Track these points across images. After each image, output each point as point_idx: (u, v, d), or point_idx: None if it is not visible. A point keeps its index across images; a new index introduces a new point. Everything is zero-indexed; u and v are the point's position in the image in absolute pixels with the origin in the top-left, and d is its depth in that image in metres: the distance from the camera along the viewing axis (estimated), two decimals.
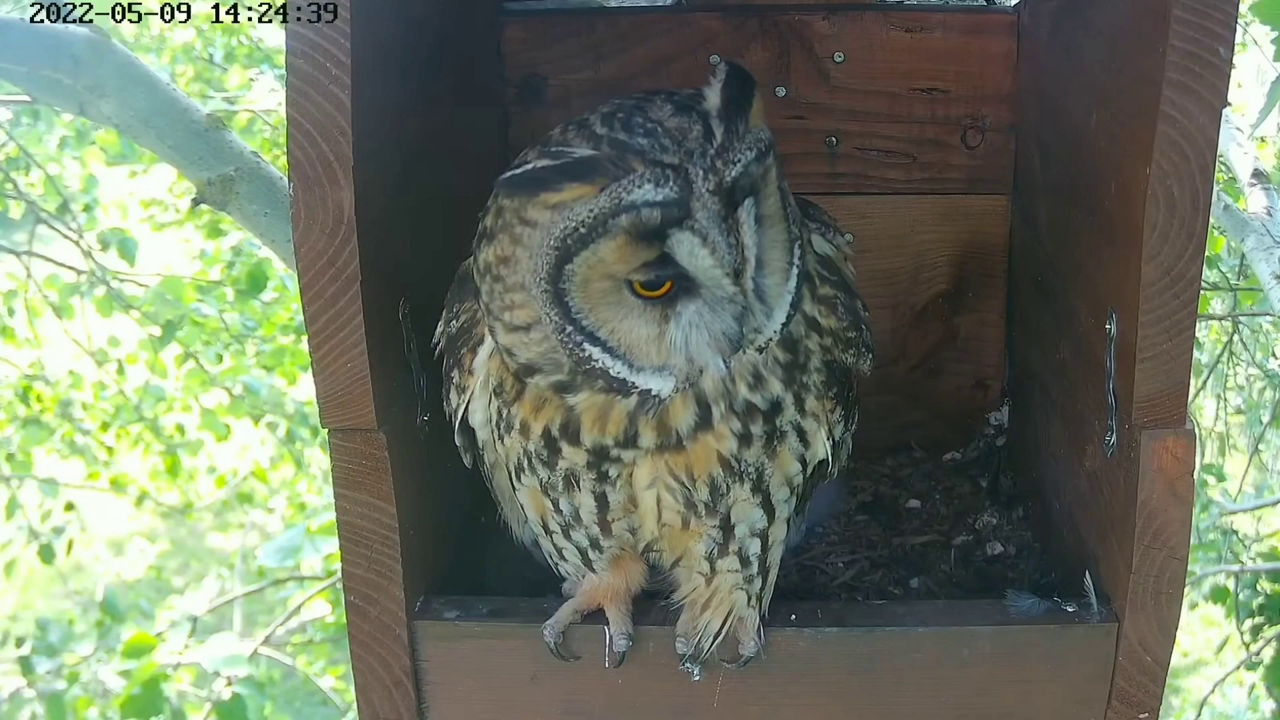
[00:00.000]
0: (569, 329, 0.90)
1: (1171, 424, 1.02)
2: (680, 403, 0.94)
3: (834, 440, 1.06)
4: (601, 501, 1.03)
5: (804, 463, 1.04)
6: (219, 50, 4.91)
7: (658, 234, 0.84)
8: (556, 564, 1.16)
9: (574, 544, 1.09)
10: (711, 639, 1.10)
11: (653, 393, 0.93)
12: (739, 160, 0.85)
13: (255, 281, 4.59)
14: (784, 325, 0.96)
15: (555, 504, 1.05)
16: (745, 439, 0.98)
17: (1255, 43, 3.48)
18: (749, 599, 1.10)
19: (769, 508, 1.05)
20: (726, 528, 1.04)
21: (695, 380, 0.94)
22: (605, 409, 0.95)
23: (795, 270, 0.96)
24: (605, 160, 0.84)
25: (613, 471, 1.00)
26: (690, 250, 0.85)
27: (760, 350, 0.95)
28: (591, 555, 1.10)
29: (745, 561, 1.07)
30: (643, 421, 0.95)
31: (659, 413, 0.95)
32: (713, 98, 0.88)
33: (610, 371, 0.92)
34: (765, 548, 1.08)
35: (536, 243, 0.87)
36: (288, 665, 4.79)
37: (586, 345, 0.91)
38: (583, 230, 0.84)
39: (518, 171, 0.87)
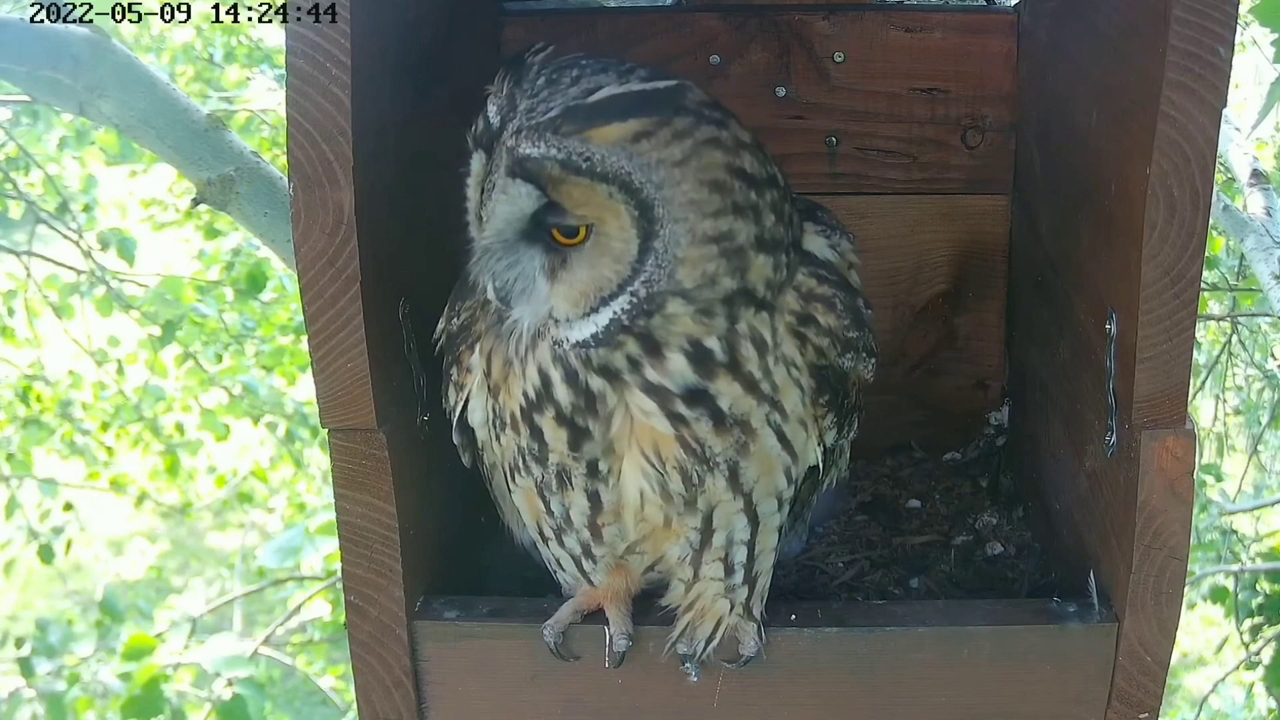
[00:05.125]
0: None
1: (1171, 424, 1.02)
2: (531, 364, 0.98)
3: (825, 446, 1.06)
4: (594, 501, 1.03)
5: (789, 468, 1.04)
6: (219, 50, 4.91)
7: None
8: (555, 572, 1.15)
9: (567, 551, 1.09)
10: (705, 643, 1.10)
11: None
12: (534, 145, 0.87)
13: (254, 281, 4.60)
14: (572, 340, 0.94)
15: (547, 505, 1.05)
16: (679, 419, 0.96)
17: (1255, 43, 3.48)
18: (732, 607, 1.09)
19: (751, 512, 1.04)
20: (707, 530, 1.04)
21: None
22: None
23: (607, 310, 0.93)
24: None
25: (602, 465, 1.00)
26: (470, 175, 0.93)
27: (558, 345, 0.95)
28: (586, 565, 1.09)
29: (730, 569, 1.07)
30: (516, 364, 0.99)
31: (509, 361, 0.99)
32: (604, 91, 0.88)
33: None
34: (751, 556, 1.07)
35: None
36: (288, 665, 4.78)
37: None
38: None
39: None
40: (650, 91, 0.89)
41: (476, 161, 0.92)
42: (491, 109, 0.91)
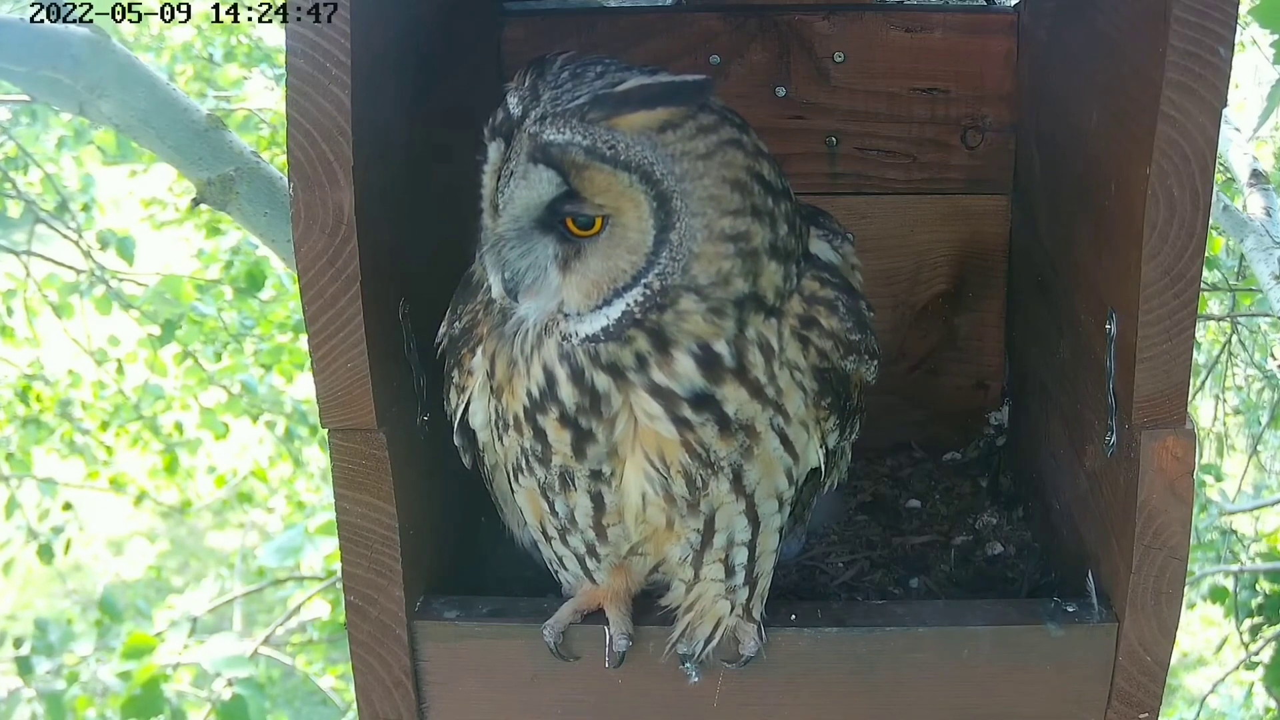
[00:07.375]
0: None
1: (1171, 424, 1.02)
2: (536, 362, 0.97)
3: (827, 448, 1.06)
4: (598, 502, 1.02)
5: (791, 470, 1.04)
6: (219, 50, 4.91)
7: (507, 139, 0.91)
8: (557, 571, 1.15)
9: (571, 550, 1.09)
10: (704, 643, 1.10)
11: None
12: (559, 131, 0.88)
13: (254, 280, 4.60)
14: (582, 334, 0.94)
15: (551, 506, 1.05)
16: (684, 423, 0.96)
17: (1255, 42, 3.48)
18: (732, 608, 1.09)
19: (752, 514, 1.04)
20: (708, 532, 1.04)
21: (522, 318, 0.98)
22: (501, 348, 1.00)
23: (620, 301, 0.93)
24: None
25: (605, 468, 1.00)
26: (487, 163, 0.93)
27: (567, 339, 0.95)
28: (590, 564, 1.09)
29: (730, 570, 1.07)
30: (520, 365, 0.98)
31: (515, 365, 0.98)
32: (627, 84, 0.89)
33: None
34: (752, 557, 1.07)
35: None
36: (287, 665, 4.78)
37: None
38: None
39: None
40: (679, 83, 0.90)
41: (494, 150, 0.92)
42: (512, 100, 0.92)
